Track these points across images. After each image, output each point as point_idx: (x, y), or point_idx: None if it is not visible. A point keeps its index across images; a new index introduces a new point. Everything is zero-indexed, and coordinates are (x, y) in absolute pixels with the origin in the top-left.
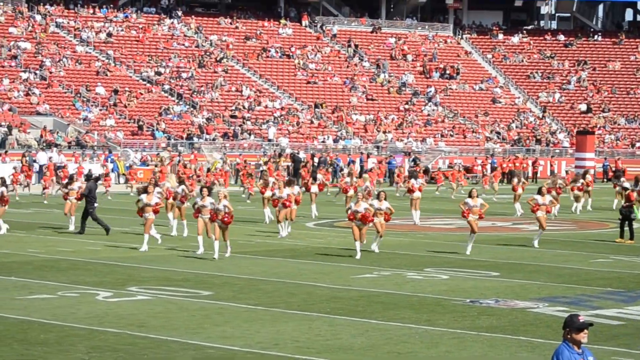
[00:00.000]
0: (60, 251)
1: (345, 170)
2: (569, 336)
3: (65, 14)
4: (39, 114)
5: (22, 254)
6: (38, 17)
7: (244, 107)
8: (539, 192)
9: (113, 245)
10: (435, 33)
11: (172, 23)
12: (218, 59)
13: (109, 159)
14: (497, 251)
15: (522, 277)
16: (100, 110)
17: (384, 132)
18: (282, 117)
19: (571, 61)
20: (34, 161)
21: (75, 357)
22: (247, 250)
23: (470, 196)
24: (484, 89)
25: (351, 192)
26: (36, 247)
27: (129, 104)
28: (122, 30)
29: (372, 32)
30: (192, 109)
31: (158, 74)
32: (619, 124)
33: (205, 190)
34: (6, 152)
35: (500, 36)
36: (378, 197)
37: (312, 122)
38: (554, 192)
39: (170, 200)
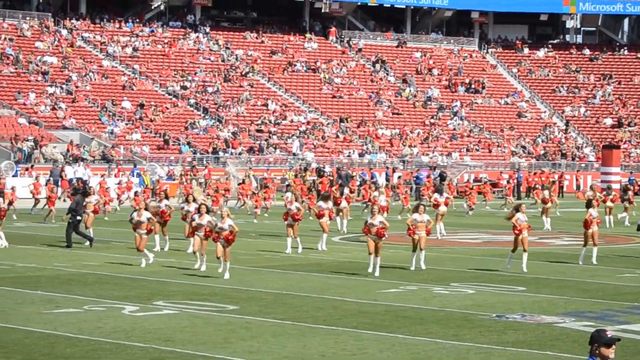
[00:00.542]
0: (87, 265)
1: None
2: (596, 351)
3: (91, 29)
4: (65, 128)
5: (48, 268)
6: (64, 32)
7: (269, 122)
8: (589, 205)
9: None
10: (460, 47)
11: (198, 37)
12: (244, 73)
13: (135, 173)
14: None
15: (549, 292)
16: (126, 124)
17: (410, 147)
18: (307, 132)
19: (597, 75)
20: (60, 175)
21: None
22: (273, 264)
23: (417, 211)
24: (509, 103)
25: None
26: (62, 261)
27: (154, 118)
28: (148, 44)
29: (397, 46)
30: (217, 123)
31: (184, 88)
32: None
33: (203, 208)
34: (32, 166)
35: (526, 50)
36: (417, 209)
37: (337, 137)
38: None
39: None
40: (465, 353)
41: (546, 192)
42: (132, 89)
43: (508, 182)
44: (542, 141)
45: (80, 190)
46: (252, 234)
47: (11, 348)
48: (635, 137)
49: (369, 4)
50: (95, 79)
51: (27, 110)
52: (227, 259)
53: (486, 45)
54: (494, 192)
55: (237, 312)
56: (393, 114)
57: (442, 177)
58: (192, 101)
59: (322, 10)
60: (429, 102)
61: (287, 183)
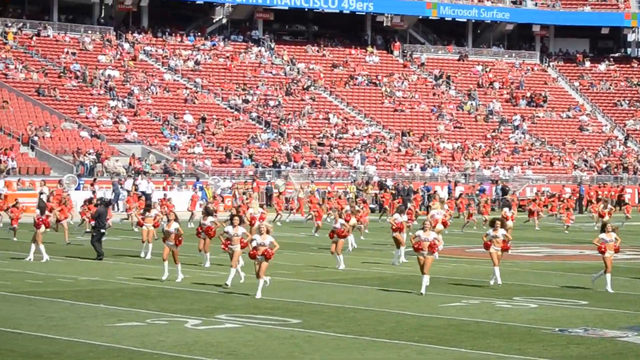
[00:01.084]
0: (149, 279)
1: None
2: None
3: (153, 42)
4: (127, 141)
5: (111, 282)
6: (126, 45)
7: (331, 135)
8: (604, 229)
9: (200, 274)
10: (522, 61)
11: (260, 51)
12: (305, 86)
13: (198, 187)
14: (585, 280)
15: (611, 306)
16: (188, 137)
17: (471, 160)
18: (369, 145)
19: None
20: (121, 188)
21: None
22: (335, 278)
23: (492, 226)
24: (571, 117)
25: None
26: (125, 274)
27: (216, 132)
28: (209, 58)
29: (458, 59)
30: (279, 136)
31: (245, 101)
32: None
33: (236, 219)
34: (95, 179)
35: (587, 64)
36: (493, 225)
37: (399, 150)
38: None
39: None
40: None
41: (601, 206)
42: (194, 103)
43: (570, 196)
44: (604, 155)
45: (105, 201)
46: (314, 248)
47: None
48: None
49: (430, 18)
50: (157, 93)
51: (90, 123)
52: (262, 276)
53: (547, 59)
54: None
55: (300, 326)
56: (455, 127)
57: (504, 190)
58: (254, 115)
59: (384, 24)
60: (490, 116)
61: (348, 197)
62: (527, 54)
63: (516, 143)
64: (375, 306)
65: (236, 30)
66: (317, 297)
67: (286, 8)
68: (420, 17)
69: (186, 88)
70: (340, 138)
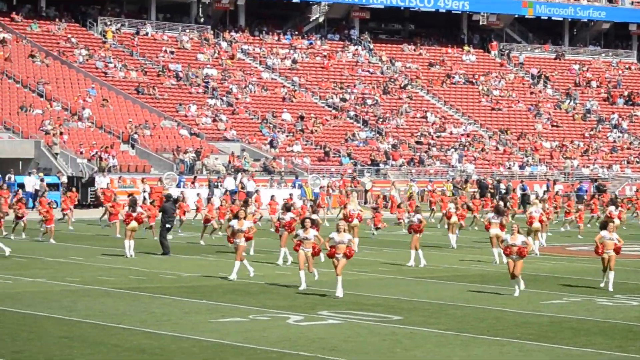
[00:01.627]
0: (250, 275)
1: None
2: None
3: (250, 41)
4: (226, 139)
5: (213, 277)
6: (224, 44)
7: (429, 134)
8: (604, 226)
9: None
10: (619, 59)
11: (357, 50)
12: (402, 85)
13: (297, 185)
14: None
15: None
16: (287, 136)
17: (570, 159)
18: (467, 144)
19: None
20: (217, 186)
21: None
22: (436, 275)
23: (605, 228)
24: None
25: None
26: (226, 271)
27: (315, 130)
28: (306, 57)
29: (555, 58)
30: (377, 135)
31: (343, 100)
32: None
33: (308, 222)
34: (195, 177)
35: None
36: (605, 227)
37: (497, 149)
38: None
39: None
40: None
41: None
42: (292, 101)
43: None
44: None
45: (172, 198)
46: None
47: (180, 357)
48: None
49: (526, 16)
50: (254, 91)
51: (189, 122)
52: (340, 273)
53: None
54: None
55: (401, 322)
56: (552, 126)
57: (599, 189)
58: (352, 113)
59: (480, 23)
60: (588, 115)
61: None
62: (624, 53)
63: (614, 142)
64: (476, 303)
65: (332, 29)
66: (417, 294)
67: (382, 7)
68: (516, 15)
69: (284, 87)
70: (438, 137)
